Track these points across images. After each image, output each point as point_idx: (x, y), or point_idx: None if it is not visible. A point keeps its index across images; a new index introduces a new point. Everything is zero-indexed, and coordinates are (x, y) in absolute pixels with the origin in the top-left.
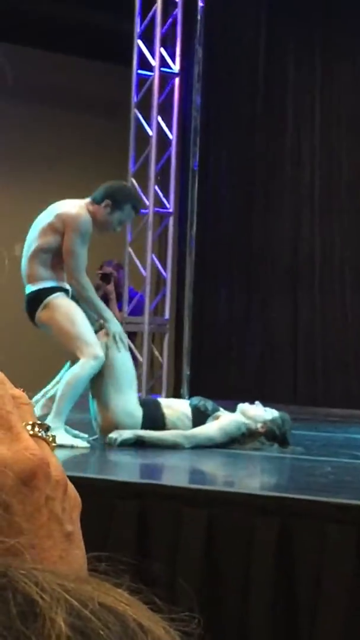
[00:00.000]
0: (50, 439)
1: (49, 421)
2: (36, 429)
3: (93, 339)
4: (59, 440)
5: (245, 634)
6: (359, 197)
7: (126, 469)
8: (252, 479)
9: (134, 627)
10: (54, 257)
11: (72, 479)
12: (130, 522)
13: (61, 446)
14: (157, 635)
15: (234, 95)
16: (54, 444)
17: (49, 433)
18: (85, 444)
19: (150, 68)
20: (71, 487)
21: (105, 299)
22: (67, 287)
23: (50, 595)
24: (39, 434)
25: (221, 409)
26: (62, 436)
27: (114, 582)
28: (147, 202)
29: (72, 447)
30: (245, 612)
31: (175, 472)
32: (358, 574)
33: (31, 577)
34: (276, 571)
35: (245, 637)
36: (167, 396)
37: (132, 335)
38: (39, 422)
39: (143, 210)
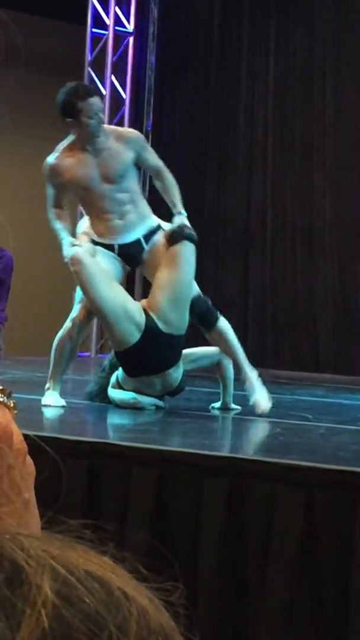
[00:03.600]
0: (12, 404)
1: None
2: None
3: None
4: (46, 401)
5: (194, 592)
6: (311, 157)
7: (79, 428)
8: (203, 439)
9: (119, 595)
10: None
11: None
12: (80, 480)
13: (47, 406)
14: (141, 603)
15: (188, 56)
16: (15, 411)
17: (10, 399)
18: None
19: (104, 27)
20: (28, 456)
21: None
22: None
23: (37, 561)
24: (1, 400)
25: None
26: (49, 397)
27: (99, 549)
28: None
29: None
30: (194, 572)
31: (126, 431)
32: (306, 533)
33: (17, 543)
34: (225, 530)
35: (194, 595)
36: (95, 353)
37: None
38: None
39: None
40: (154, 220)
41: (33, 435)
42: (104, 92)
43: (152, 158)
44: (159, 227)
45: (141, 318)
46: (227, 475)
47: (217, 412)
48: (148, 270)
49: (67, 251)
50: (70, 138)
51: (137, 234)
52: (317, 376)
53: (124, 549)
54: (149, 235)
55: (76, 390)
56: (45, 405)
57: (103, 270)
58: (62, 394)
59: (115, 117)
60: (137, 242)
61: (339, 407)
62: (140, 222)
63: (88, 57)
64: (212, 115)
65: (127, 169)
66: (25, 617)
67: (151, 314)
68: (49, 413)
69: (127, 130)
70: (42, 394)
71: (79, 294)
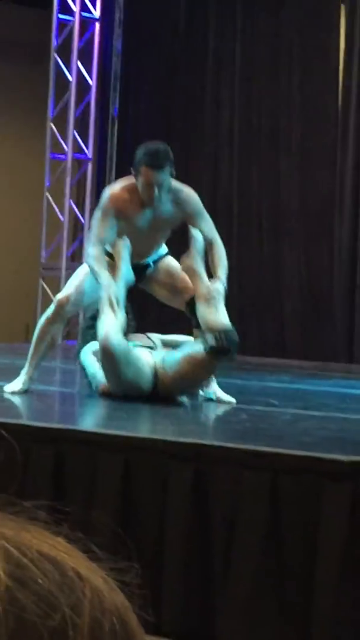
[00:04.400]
0: None
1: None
2: None
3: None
4: (8, 388)
5: (159, 579)
6: (277, 142)
7: (45, 414)
8: (168, 425)
9: (72, 575)
10: None
11: None
12: (46, 467)
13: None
14: (95, 584)
15: (154, 41)
16: None
17: None
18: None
19: (70, 12)
20: None
21: None
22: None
23: None
24: None
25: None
26: (14, 383)
27: (53, 530)
28: (65, 148)
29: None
30: (160, 559)
31: (92, 418)
32: (271, 519)
33: None
34: (191, 516)
35: (159, 582)
36: None
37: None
38: None
39: (61, 156)
40: (165, 249)
41: None
42: (70, 78)
43: (208, 228)
44: (167, 253)
45: (148, 389)
46: (193, 462)
47: (184, 399)
48: (149, 285)
49: (101, 329)
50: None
51: (149, 260)
52: (283, 362)
53: (85, 532)
54: (157, 260)
55: (62, 377)
56: (9, 392)
57: (129, 350)
58: (43, 381)
59: (82, 103)
60: (147, 265)
61: (305, 393)
62: (155, 253)
63: (54, 43)
64: (178, 101)
65: (174, 228)
66: None
67: (160, 385)
68: (15, 399)
69: (188, 197)
70: (9, 381)
71: (74, 278)
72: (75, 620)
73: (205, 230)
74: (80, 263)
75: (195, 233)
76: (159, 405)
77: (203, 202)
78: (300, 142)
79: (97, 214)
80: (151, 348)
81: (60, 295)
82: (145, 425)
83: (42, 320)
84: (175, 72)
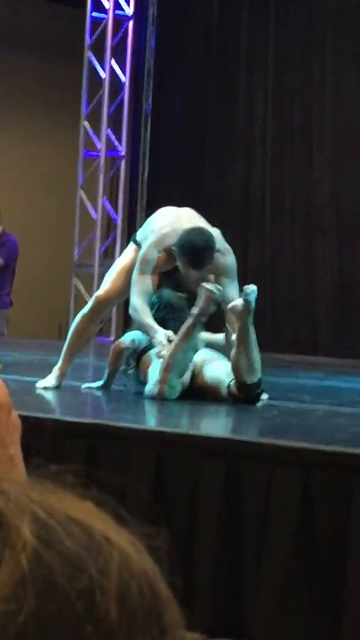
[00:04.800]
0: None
1: None
2: None
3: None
4: (40, 384)
5: (192, 575)
6: (311, 138)
7: (77, 410)
8: (200, 421)
9: (100, 538)
10: None
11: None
12: (78, 462)
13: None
14: (123, 547)
15: (187, 38)
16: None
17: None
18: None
19: (104, 10)
20: (14, 411)
21: None
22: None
23: (16, 504)
24: None
25: None
26: (47, 379)
27: (80, 494)
28: (98, 146)
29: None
30: (191, 555)
31: (124, 413)
32: (303, 514)
33: None
34: (223, 512)
35: (192, 578)
36: (116, 338)
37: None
38: None
39: (94, 154)
40: None
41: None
42: (103, 75)
43: (232, 294)
44: None
45: (185, 386)
46: (225, 457)
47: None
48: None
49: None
50: None
51: None
52: (315, 359)
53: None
54: None
55: (94, 374)
56: (41, 388)
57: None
58: (76, 377)
59: (115, 101)
60: None
61: (337, 390)
62: None
63: (88, 41)
64: (212, 99)
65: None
66: (5, 559)
67: (195, 383)
68: (47, 395)
69: (225, 261)
70: (42, 377)
71: (111, 273)
72: (102, 582)
73: (230, 294)
74: (113, 260)
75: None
76: (190, 402)
77: (236, 200)
78: (333, 138)
79: (140, 263)
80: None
81: (98, 293)
82: (177, 421)
83: (78, 317)
84: (208, 68)
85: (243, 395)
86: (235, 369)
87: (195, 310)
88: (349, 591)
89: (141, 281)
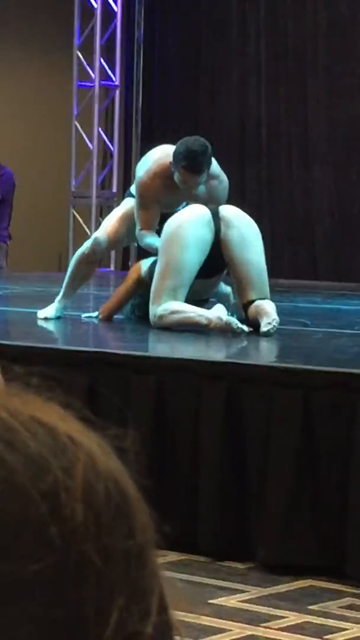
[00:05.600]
0: None
1: None
2: None
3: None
4: (41, 313)
5: (195, 495)
6: (304, 65)
7: (79, 338)
8: (200, 346)
9: (65, 440)
10: None
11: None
12: (79, 390)
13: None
14: (89, 448)
15: None
16: None
17: None
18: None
19: None
20: None
21: None
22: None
23: None
24: None
25: None
26: (47, 309)
27: (46, 396)
28: (92, 76)
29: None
30: (195, 479)
31: (124, 342)
32: (304, 435)
33: None
34: (224, 435)
35: (195, 499)
36: (116, 268)
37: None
38: None
39: (89, 84)
40: None
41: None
42: (95, 5)
43: None
44: None
45: None
46: (226, 380)
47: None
48: None
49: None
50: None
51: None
52: (315, 284)
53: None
54: None
55: (95, 304)
56: (41, 318)
57: None
58: (76, 308)
59: (107, 30)
60: None
61: (337, 313)
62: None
63: None
64: (204, 23)
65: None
66: None
67: None
68: (48, 325)
69: (220, 185)
70: (41, 308)
71: (111, 217)
72: (67, 483)
73: None
74: (110, 190)
75: None
76: (191, 330)
77: (231, 129)
78: (327, 66)
79: (138, 200)
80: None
81: (97, 234)
82: (177, 347)
83: (76, 257)
84: None
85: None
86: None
87: (203, 319)
88: (352, 506)
89: (144, 216)
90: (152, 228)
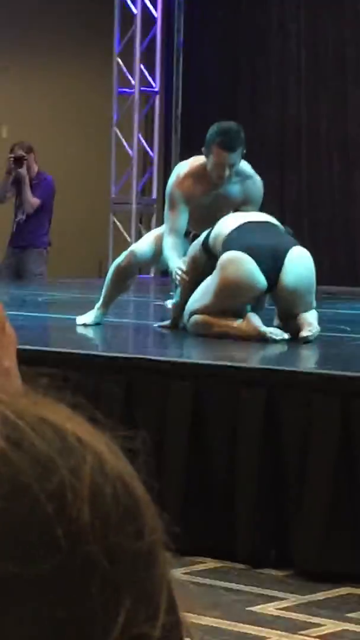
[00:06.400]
0: None
1: None
2: None
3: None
4: (80, 320)
5: (233, 502)
6: (345, 70)
7: (115, 344)
8: (238, 352)
9: (73, 440)
10: None
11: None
12: (117, 395)
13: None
14: (97, 449)
15: None
16: None
17: None
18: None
19: None
20: (8, 325)
21: (18, 184)
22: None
23: None
24: None
25: None
26: (86, 315)
27: (55, 397)
28: (132, 82)
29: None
30: (233, 485)
31: (163, 347)
32: (343, 442)
33: None
34: (263, 441)
35: (232, 505)
36: (155, 275)
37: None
38: None
39: (129, 90)
40: None
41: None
42: (135, 11)
43: None
44: None
45: None
46: (264, 387)
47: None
48: None
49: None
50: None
51: None
52: (356, 289)
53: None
54: None
55: (137, 310)
56: (80, 325)
57: None
58: (114, 314)
59: (147, 37)
60: None
61: None
62: None
63: None
64: (244, 30)
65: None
66: None
67: None
68: (87, 331)
69: (255, 185)
70: (80, 314)
71: (152, 233)
72: (74, 484)
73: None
74: (150, 197)
75: None
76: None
77: (271, 134)
78: None
79: (167, 201)
80: None
81: (134, 247)
82: (215, 353)
83: (113, 267)
84: (240, 2)
85: None
86: None
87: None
88: None
89: (172, 218)
90: (178, 231)
